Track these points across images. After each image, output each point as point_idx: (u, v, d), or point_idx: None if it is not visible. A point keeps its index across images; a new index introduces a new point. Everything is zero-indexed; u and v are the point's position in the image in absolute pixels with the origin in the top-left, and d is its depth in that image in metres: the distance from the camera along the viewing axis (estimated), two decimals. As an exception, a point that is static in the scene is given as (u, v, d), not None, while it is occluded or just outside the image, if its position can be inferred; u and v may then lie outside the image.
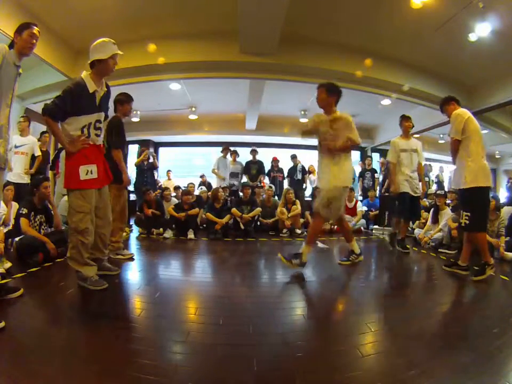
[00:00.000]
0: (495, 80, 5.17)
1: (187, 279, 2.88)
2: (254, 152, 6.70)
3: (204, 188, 6.44)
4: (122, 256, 3.13)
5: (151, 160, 6.40)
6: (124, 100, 3.20)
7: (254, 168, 6.60)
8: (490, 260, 2.68)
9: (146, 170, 6.11)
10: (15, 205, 3.52)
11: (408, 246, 3.90)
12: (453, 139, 2.71)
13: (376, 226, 5.66)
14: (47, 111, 2.06)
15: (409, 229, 5.36)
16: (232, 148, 6.85)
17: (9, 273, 2.43)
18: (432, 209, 4.50)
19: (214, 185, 6.40)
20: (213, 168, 6.65)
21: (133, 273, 2.88)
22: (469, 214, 2.65)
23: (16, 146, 4.22)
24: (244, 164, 6.72)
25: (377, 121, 8.70)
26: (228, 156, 6.68)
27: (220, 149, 6.80)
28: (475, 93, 5.64)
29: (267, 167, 6.91)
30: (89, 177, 2.19)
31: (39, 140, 4.79)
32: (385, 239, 4.68)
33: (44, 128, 5.74)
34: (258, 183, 6.53)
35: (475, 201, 2.65)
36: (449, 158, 3.50)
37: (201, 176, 7.48)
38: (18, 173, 4.22)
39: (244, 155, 6.94)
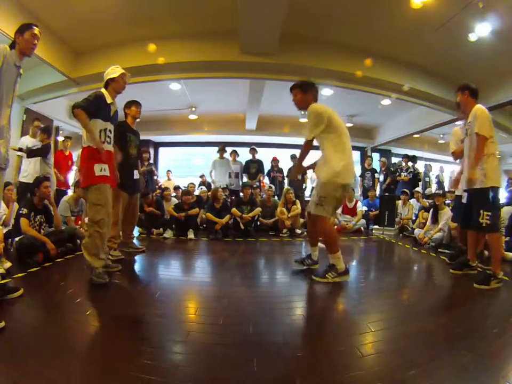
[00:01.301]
0: (495, 80, 5.16)
1: (187, 279, 2.88)
2: (253, 151, 6.70)
3: (204, 188, 6.44)
4: (110, 256, 3.11)
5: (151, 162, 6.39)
6: (128, 105, 3.29)
7: (253, 167, 6.61)
8: (499, 273, 2.50)
9: (146, 172, 6.12)
10: (16, 205, 3.52)
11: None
12: (483, 136, 2.54)
13: (376, 226, 5.67)
14: (80, 106, 2.30)
15: (410, 229, 5.38)
16: (231, 148, 6.84)
17: (9, 273, 2.43)
18: (431, 209, 4.50)
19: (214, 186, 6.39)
20: (210, 171, 6.65)
21: (133, 273, 2.88)
22: (490, 213, 2.53)
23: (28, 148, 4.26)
24: (243, 163, 6.72)
25: (377, 121, 8.71)
26: (228, 156, 6.67)
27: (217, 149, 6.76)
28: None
29: (267, 167, 6.91)
30: (102, 173, 2.44)
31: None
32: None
33: (43, 128, 5.76)
34: (257, 183, 6.52)
35: (496, 201, 2.61)
36: (450, 158, 3.47)
37: (201, 176, 7.49)
38: (31, 173, 4.21)
39: (244, 155, 6.95)
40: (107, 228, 2.47)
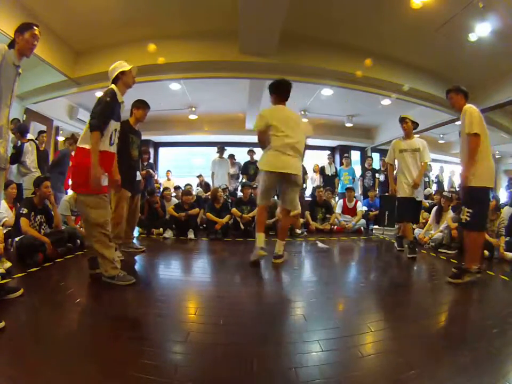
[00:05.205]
0: (495, 80, 5.16)
1: (187, 279, 2.88)
2: (251, 153, 6.76)
3: (200, 189, 6.49)
4: None
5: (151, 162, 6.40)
6: (138, 106, 3.26)
7: (252, 168, 6.63)
8: (472, 268, 2.54)
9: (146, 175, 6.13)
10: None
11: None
12: (474, 135, 2.46)
13: (376, 226, 5.66)
14: (96, 127, 2.19)
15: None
16: (231, 148, 6.86)
17: (9, 273, 2.42)
18: (435, 208, 4.48)
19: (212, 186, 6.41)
20: (212, 172, 6.68)
21: (133, 273, 2.87)
22: (470, 210, 2.50)
23: None
24: (241, 164, 6.74)
25: (377, 121, 8.70)
26: (226, 155, 6.68)
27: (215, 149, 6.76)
28: (475, 93, 5.63)
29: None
30: (105, 184, 2.35)
31: (36, 139, 4.79)
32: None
33: (43, 127, 5.76)
34: (257, 183, 6.54)
35: (481, 200, 2.52)
36: (450, 158, 3.47)
37: (199, 176, 7.48)
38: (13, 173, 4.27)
39: (244, 155, 6.96)
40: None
